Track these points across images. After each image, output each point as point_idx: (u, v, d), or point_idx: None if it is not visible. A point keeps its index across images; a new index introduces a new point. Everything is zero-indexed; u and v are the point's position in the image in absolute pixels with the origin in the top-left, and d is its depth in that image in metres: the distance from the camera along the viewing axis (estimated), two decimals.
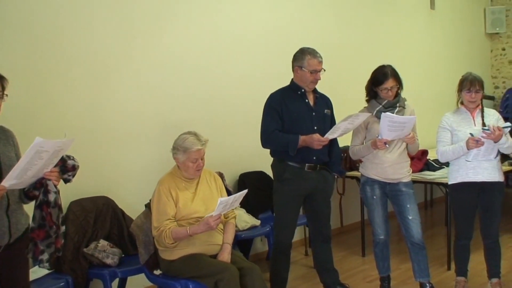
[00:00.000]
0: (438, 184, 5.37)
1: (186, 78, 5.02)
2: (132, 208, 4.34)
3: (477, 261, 4.78)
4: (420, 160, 5.59)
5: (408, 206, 4.22)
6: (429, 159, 5.68)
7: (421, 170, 5.54)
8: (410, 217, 4.21)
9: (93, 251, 4.01)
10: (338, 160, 4.45)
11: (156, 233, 3.65)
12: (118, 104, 4.54)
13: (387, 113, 3.95)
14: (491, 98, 8.85)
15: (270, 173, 5.35)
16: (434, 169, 5.58)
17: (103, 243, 4.09)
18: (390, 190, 4.28)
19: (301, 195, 4.26)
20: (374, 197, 4.28)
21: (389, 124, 3.89)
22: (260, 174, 5.54)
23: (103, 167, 4.45)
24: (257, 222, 5.04)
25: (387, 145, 4.05)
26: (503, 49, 9.44)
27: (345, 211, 6.30)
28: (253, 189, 5.31)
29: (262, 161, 5.32)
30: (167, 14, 4.86)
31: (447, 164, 4.81)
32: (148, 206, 3.90)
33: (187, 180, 3.79)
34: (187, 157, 3.70)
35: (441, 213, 7.16)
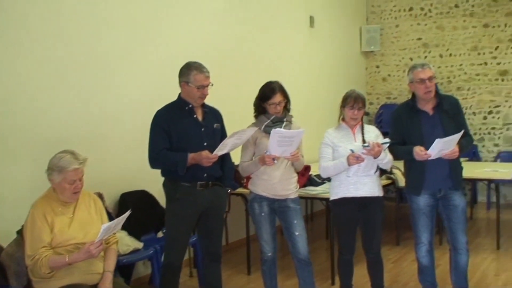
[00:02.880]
0: (321, 199, 5.44)
1: (62, 92, 4.71)
2: (3, 235, 3.97)
3: (360, 275, 4.87)
4: (303, 175, 5.64)
5: (295, 222, 4.23)
6: (312, 174, 5.75)
7: (304, 186, 5.58)
8: (296, 233, 4.22)
9: None
10: (231, 174, 4.39)
11: (30, 262, 3.35)
12: None
13: (277, 129, 3.95)
14: (366, 113, 9.15)
15: (153, 192, 5.23)
16: (316, 184, 5.64)
17: None
18: (278, 207, 4.27)
19: (195, 214, 4.14)
20: (263, 214, 4.25)
21: (278, 140, 3.89)
22: (143, 194, 5.32)
23: None
24: (140, 245, 4.81)
25: (275, 161, 4.04)
26: (377, 67, 9.90)
27: (230, 228, 6.23)
28: (135, 209, 5.03)
29: (145, 179, 5.16)
30: (41, 24, 4.56)
31: (329, 179, 4.89)
32: (20, 232, 3.59)
33: (64, 204, 3.52)
34: (63, 178, 3.44)
35: (322, 227, 7.29)
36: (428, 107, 4.31)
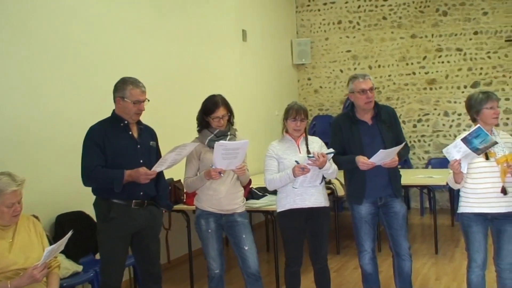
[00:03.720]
0: (264, 212, 5.41)
1: None
2: None
3: (305, 285, 4.86)
4: (245, 188, 5.59)
5: (244, 236, 4.18)
6: (252, 187, 5.71)
7: (246, 199, 5.53)
8: (246, 248, 4.17)
9: None
10: (166, 194, 4.28)
11: None
12: None
13: (220, 141, 3.91)
14: None
15: (90, 212, 5.01)
16: (258, 197, 5.60)
17: None
18: (225, 222, 4.20)
19: (129, 234, 3.99)
20: (209, 230, 4.16)
21: (223, 153, 3.83)
22: (79, 214, 5.11)
23: None
24: (79, 268, 4.63)
25: (221, 175, 3.98)
26: (309, 79, 10.03)
27: (171, 246, 6.10)
28: (73, 231, 4.90)
29: (81, 199, 4.95)
30: None
31: (272, 192, 4.87)
32: None
33: (3, 228, 3.34)
34: (1, 202, 3.26)
35: (262, 239, 7.23)
36: (367, 117, 4.38)
